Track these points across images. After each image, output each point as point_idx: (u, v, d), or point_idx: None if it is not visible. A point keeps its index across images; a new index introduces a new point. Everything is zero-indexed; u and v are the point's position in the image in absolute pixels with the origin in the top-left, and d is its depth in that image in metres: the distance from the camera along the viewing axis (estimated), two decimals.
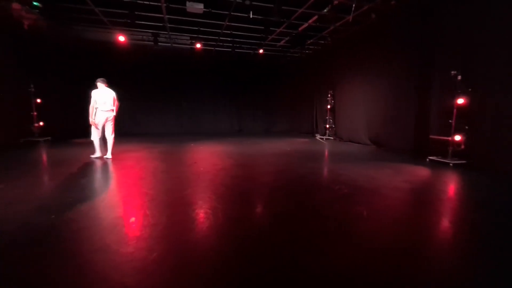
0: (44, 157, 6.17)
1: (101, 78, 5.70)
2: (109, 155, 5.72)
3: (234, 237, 2.31)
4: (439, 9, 5.83)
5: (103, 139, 5.71)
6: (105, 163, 5.33)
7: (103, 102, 5.51)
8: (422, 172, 4.83)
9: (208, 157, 6.36)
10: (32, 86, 7.97)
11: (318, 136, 10.69)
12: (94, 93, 5.52)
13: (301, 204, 3.18)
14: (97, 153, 5.71)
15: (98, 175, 4.50)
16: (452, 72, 5.15)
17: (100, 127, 5.55)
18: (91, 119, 5.45)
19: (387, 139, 7.52)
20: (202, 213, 2.80)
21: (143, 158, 6.08)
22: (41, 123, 8.27)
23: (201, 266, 1.85)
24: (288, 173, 4.69)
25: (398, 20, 6.94)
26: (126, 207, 3.02)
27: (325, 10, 7.14)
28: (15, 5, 7.12)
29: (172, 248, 2.08)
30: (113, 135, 5.72)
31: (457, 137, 5.21)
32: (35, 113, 8.11)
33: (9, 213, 2.68)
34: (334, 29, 8.54)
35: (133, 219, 2.66)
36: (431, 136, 5.88)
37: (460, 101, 5.16)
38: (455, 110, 5.21)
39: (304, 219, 2.70)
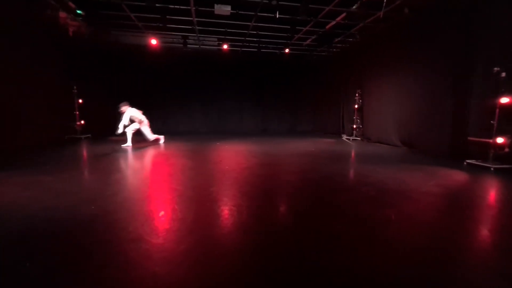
0: (86, 153, 6.72)
1: (124, 102, 7.49)
2: (154, 138, 7.90)
3: (257, 233, 2.37)
4: (480, 2, 5.39)
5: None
6: (137, 159, 5.69)
7: (139, 117, 7.49)
8: (458, 176, 4.52)
9: (233, 155, 6.50)
10: (75, 87, 8.70)
11: (344, 137, 10.41)
12: (129, 113, 7.36)
13: (325, 205, 3.15)
14: (128, 144, 7.39)
15: (132, 170, 4.82)
16: (495, 68, 4.75)
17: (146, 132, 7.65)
18: (121, 129, 7.22)
19: (419, 140, 7.11)
20: (227, 210, 2.90)
21: (172, 155, 6.38)
22: (82, 122, 9.00)
23: (225, 260, 1.93)
24: (312, 173, 4.65)
25: (434, 14, 6.53)
26: (157, 201, 3.21)
27: (354, 7, 6.94)
28: (62, 14, 7.86)
29: (199, 241, 2.18)
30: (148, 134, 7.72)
31: (500, 139, 4.79)
32: (77, 113, 8.84)
33: (58, 203, 2.99)
34: (363, 26, 8.26)
35: (163, 212, 2.83)
36: (470, 138, 5.46)
37: (504, 100, 4.73)
38: (497, 110, 4.79)
39: (327, 220, 2.68)
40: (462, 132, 5.78)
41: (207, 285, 1.65)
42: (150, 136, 7.77)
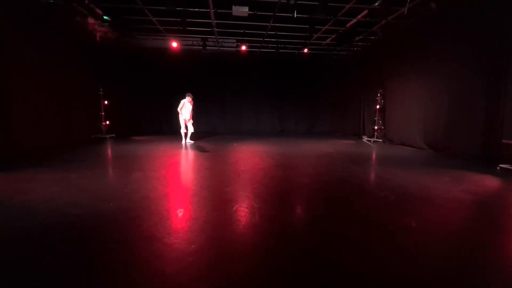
0: (110, 152, 7.04)
1: (188, 93, 8.08)
2: (189, 140, 8.36)
3: (269, 235, 2.34)
4: None
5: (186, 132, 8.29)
6: (156, 158, 5.86)
7: (187, 112, 8.06)
8: (490, 181, 4.19)
9: (249, 156, 6.50)
10: (101, 89, 9.16)
11: (365, 138, 10.05)
12: (182, 102, 7.97)
13: (341, 209, 3.05)
14: (183, 140, 8.32)
15: (151, 169, 4.95)
16: None
17: (183, 124, 8.14)
18: (181, 117, 8.06)
19: (447, 142, 6.68)
20: (240, 211, 2.89)
21: (190, 155, 6.51)
22: (107, 122, 9.45)
23: (235, 261, 1.92)
24: (329, 176, 4.52)
25: (464, 8, 6.12)
26: (171, 200, 3.28)
27: (376, 4, 6.67)
28: (90, 20, 8.30)
29: (210, 241, 2.19)
30: (191, 130, 8.28)
31: None
32: (103, 113, 9.30)
33: (80, 199, 3.15)
34: (386, 23, 7.92)
35: (177, 211, 2.88)
36: (504, 141, 5.04)
37: None
38: None
39: (343, 225, 2.58)
40: (495, 134, 5.36)
41: (216, 287, 1.65)
42: (191, 129, 8.36)
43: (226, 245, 2.16)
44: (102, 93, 9.19)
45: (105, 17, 7.99)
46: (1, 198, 3.16)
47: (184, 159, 6.22)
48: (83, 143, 7.99)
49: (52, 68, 7.22)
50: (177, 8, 7.06)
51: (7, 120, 5.67)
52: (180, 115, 8.04)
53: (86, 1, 7.00)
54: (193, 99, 8.19)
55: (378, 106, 9.27)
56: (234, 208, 2.96)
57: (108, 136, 9.39)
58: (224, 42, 10.61)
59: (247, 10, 6.83)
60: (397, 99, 8.58)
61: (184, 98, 8.04)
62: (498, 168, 4.92)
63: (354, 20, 7.88)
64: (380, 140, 9.31)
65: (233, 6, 6.74)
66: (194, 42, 10.43)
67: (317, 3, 6.52)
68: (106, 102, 9.35)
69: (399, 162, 5.75)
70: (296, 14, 6.99)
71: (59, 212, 2.75)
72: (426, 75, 7.29)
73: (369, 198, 3.42)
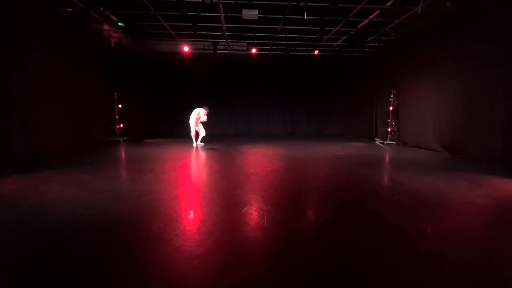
0: (123, 154, 7.21)
1: (205, 106, 8.25)
2: (199, 142, 8.43)
3: (278, 240, 2.30)
4: None
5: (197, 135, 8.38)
6: (167, 161, 5.95)
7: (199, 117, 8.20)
8: (510, 186, 3.98)
9: (259, 159, 6.48)
10: (115, 93, 9.41)
11: (378, 141, 9.83)
12: (197, 112, 8.16)
13: (352, 214, 2.98)
14: (194, 143, 8.36)
15: (161, 172, 5.03)
16: None
17: (193, 128, 8.22)
18: (192, 121, 8.21)
19: (464, 145, 6.41)
20: (248, 214, 2.87)
21: (200, 158, 6.56)
22: (121, 125, 9.68)
23: (244, 265, 1.90)
24: (340, 179, 4.43)
25: (481, 5, 5.89)
26: (181, 202, 3.30)
27: (389, 4, 6.55)
28: (106, 26, 8.58)
29: (218, 244, 2.18)
30: (203, 133, 8.42)
31: None
32: (117, 117, 9.54)
33: (92, 200, 3.22)
34: (399, 23, 7.76)
35: (186, 213, 2.89)
36: None
37: None
38: None
39: (354, 230, 2.52)
40: None
41: None
42: (203, 133, 8.51)
43: (234, 248, 2.14)
44: (116, 97, 9.44)
45: (119, 24, 8.25)
46: (19, 198, 3.28)
47: (194, 161, 6.28)
48: (97, 146, 8.21)
49: (68, 73, 7.48)
50: (188, 13, 7.19)
51: (25, 124, 5.91)
52: (191, 121, 8.16)
53: (102, 9, 7.26)
54: (207, 110, 8.24)
55: (391, 108, 9.06)
56: (243, 211, 2.95)
57: (121, 139, 9.62)
58: (235, 46, 10.71)
59: (257, 13, 6.87)
60: (411, 100, 8.35)
61: (201, 108, 8.14)
62: None
63: (365, 21, 7.77)
64: (394, 143, 9.08)
65: (243, 10, 6.79)
66: (205, 46, 10.58)
67: (328, 4, 6.46)
68: (120, 106, 9.59)
69: (413, 165, 5.57)
70: (306, 16, 6.97)
71: (72, 212, 2.82)
72: (441, 75, 7.06)
73: (382, 203, 3.32)
